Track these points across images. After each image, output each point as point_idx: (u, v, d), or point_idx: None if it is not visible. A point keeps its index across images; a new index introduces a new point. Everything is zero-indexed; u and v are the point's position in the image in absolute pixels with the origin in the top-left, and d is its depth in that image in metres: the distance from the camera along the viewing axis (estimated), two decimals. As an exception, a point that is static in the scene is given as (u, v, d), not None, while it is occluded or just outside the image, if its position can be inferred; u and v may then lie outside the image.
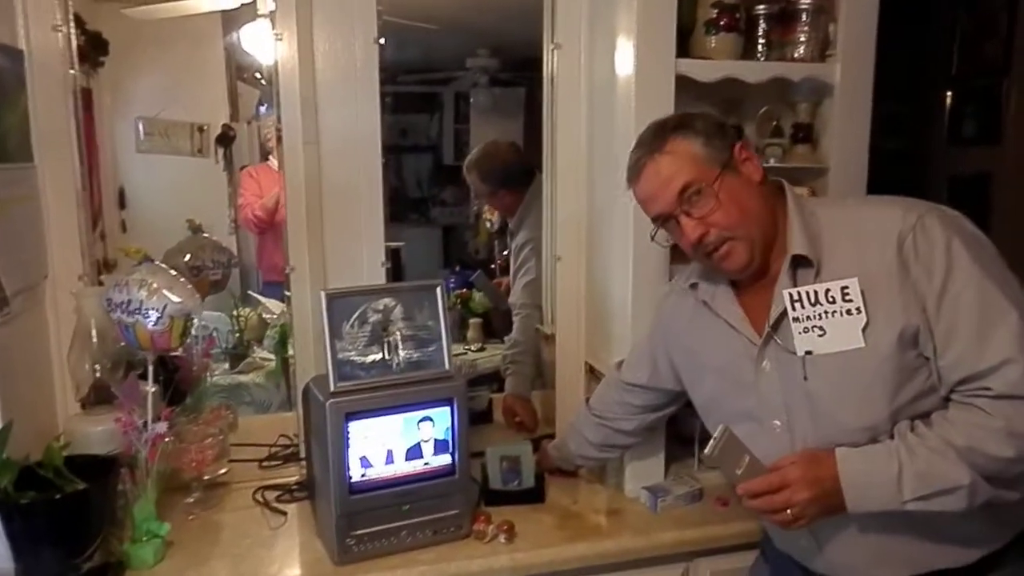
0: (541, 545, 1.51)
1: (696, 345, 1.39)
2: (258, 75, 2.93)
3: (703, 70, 1.61)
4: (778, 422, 1.25)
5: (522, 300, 2.31)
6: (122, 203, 3.55)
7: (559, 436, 1.81)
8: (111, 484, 1.36)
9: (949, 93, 2.92)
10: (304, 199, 1.72)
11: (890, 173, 1.89)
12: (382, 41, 1.71)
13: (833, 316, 1.17)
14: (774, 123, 1.82)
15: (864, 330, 1.16)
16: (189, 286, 1.43)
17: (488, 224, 3.45)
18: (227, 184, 3.73)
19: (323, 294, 1.40)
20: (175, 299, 1.39)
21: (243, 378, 2.65)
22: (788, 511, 1.15)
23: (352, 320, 1.42)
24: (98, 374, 1.58)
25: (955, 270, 1.12)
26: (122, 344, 1.51)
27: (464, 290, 3.14)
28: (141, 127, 3.53)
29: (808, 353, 1.20)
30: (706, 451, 1.19)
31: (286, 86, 1.68)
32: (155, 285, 1.37)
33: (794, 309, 1.20)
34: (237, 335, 2.79)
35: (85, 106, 3.18)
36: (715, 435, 1.18)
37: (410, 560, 1.45)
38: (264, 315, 2.90)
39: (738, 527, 1.56)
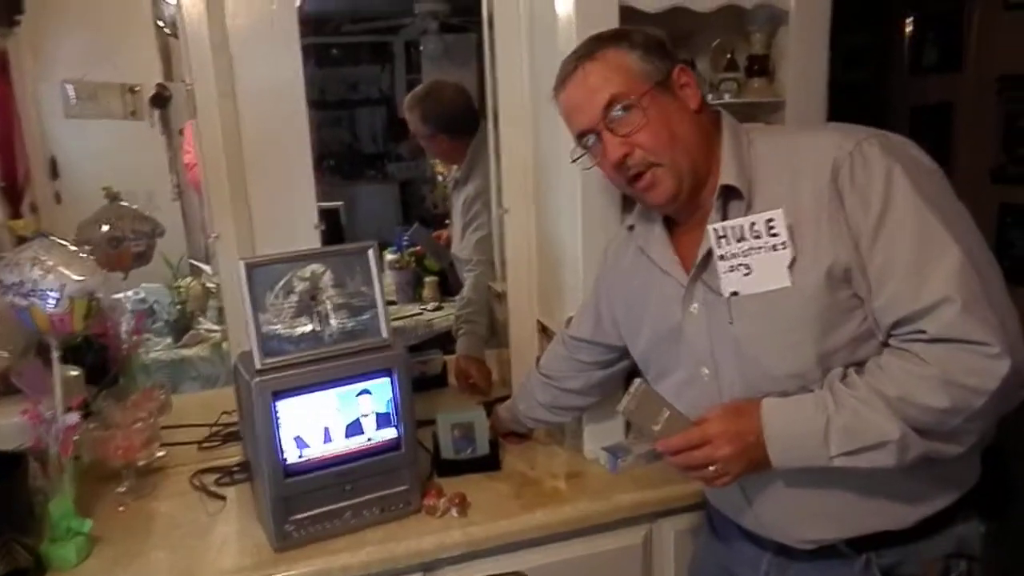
0: (496, 516, 1.43)
1: (633, 293, 1.30)
2: (160, 23, 2.73)
3: (648, -1, 1.48)
4: (706, 370, 1.17)
5: (475, 256, 2.20)
6: (54, 172, 3.35)
7: (512, 398, 1.72)
8: (18, 482, 1.25)
9: (910, 20, 2.81)
10: (224, 159, 1.59)
11: (851, 105, 1.79)
12: (298, -17, 1.56)
13: (759, 252, 1.07)
14: (728, 56, 1.70)
15: (791, 267, 1.06)
16: (91, 260, 1.30)
17: (441, 178, 3.32)
18: (166, 148, 3.54)
19: (241, 264, 1.28)
20: (75, 277, 1.25)
21: (187, 352, 2.52)
22: (711, 467, 1.08)
23: (276, 290, 1.31)
24: (6, 361, 1.44)
25: (893, 201, 1.01)
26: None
27: (419, 248, 3.02)
28: (69, 90, 3.32)
29: (734, 294, 1.11)
30: (619, 406, 1.11)
31: (193, 33, 1.53)
32: (50, 263, 1.23)
33: (719, 246, 1.11)
34: (179, 307, 2.65)
35: (0, 70, 2.96)
36: (629, 389, 1.10)
37: (356, 541, 1.36)
38: (207, 284, 2.76)
39: (700, 485, 1.49)
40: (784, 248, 1.06)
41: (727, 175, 1.12)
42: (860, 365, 1.07)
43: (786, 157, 1.11)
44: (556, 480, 1.56)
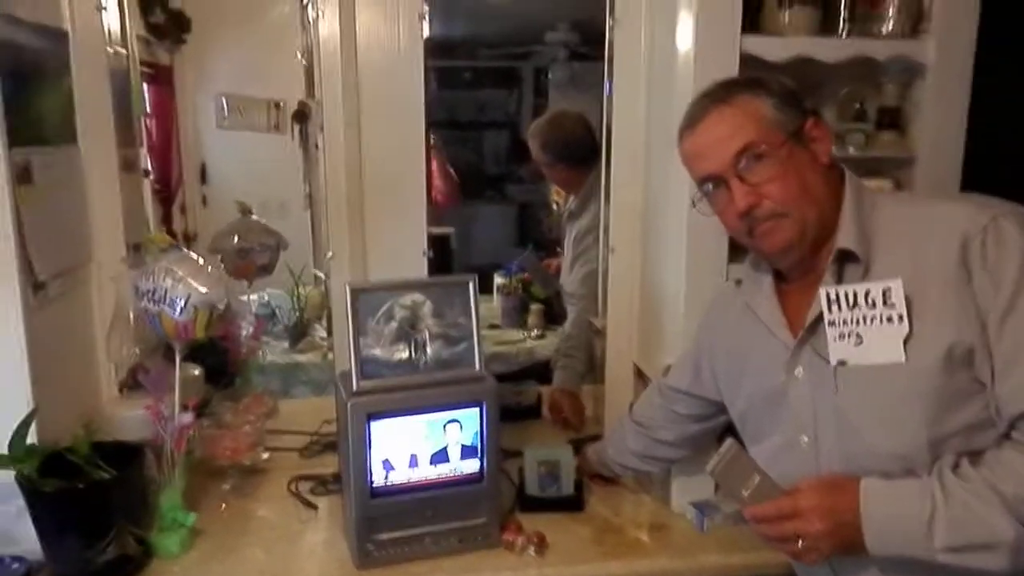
0: (574, 560, 1.42)
1: (736, 349, 1.26)
2: (298, 54, 2.91)
3: (772, 48, 1.44)
4: (806, 438, 1.12)
5: (580, 291, 2.20)
6: (204, 178, 3.64)
7: (603, 441, 1.70)
8: (135, 474, 1.36)
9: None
10: (345, 184, 1.67)
11: (992, 165, 1.67)
12: (426, 17, 1.63)
13: (872, 323, 1.02)
14: (857, 106, 1.63)
15: (906, 343, 1.00)
16: (217, 274, 1.40)
17: (555, 206, 3.34)
18: (302, 160, 3.77)
19: (347, 288, 1.34)
20: (201, 289, 1.36)
21: (301, 357, 2.66)
22: (800, 542, 1.02)
23: (378, 316, 1.36)
24: (137, 358, 1.58)
25: None
26: (157, 330, 1.50)
27: (527, 274, 3.05)
28: (224, 103, 3.60)
29: (841, 363, 1.06)
30: (708, 467, 1.07)
31: (327, 67, 1.63)
32: (180, 274, 1.34)
33: (830, 311, 1.06)
34: (297, 314, 2.80)
35: (166, 83, 3.25)
36: (720, 450, 1.05)
37: (434, 568, 1.39)
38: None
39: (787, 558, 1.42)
40: (901, 321, 1.01)
41: (845, 238, 1.08)
42: (975, 455, 0.99)
43: (912, 225, 1.06)
44: (639, 530, 1.53)
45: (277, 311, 2.83)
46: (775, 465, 1.11)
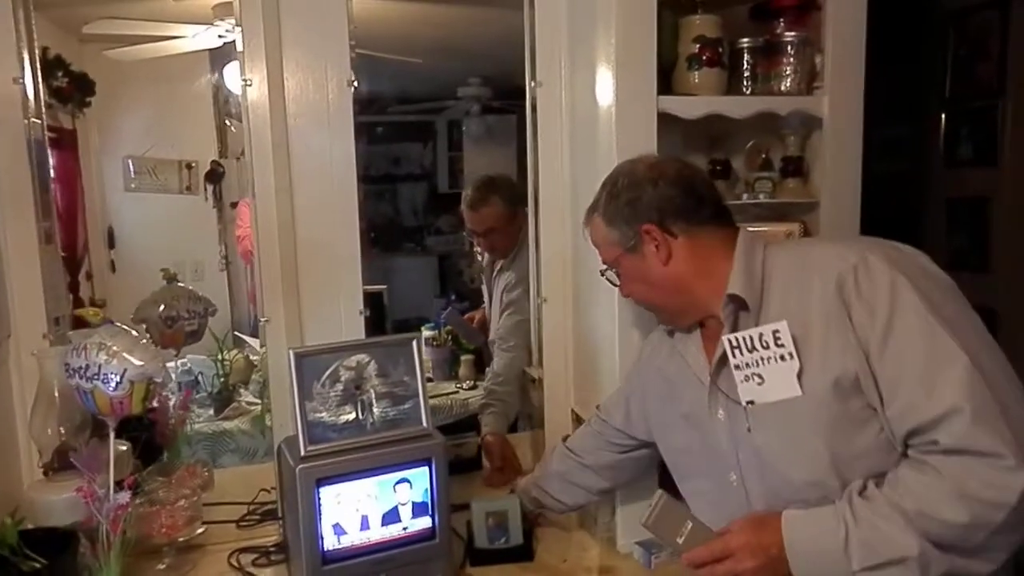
0: (528, 611, 1.43)
1: (668, 393, 1.34)
2: (227, 121, 2.89)
3: (686, 106, 1.55)
4: (734, 476, 1.20)
5: (511, 339, 2.23)
6: (111, 242, 3.51)
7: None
8: (68, 562, 1.29)
9: (944, 115, 2.86)
10: (278, 247, 1.66)
11: (887, 197, 1.82)
12: (355, 83, 1.66)
13: (769, 363, 1.11)
14: (763, 156, 1.76)
15: (800, 377, 1.09)
16: (152, 347, 1.37)
17: (479, 257, 3.39)
18: (217, 221, 3.70)
19: (291, 353, 1.34)
20: (136, 362, 1.32)
21: (228, 424, 2.57)
22: None
23: (323, 379, 1.36)
24: (63, 438, 1.51)
25: (899, 311, 1.03)
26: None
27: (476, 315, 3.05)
28: (130, 166, 3.51)
29: (750, 403, 1.14)
30: (641, 520, 1.14)
31: (257, 131, 1.63)
32: (115, 348, 1.30)
33: (734, 356, 1.15)
34: (222, 379, 2.71)
35: (69, 147, 3.15)
36: (651, 502, 1.13)
37: (389, 631, 1.37)
38: (251, 356, 2.83)
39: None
40: (792, 358, 1.10)
41: (734, 285, 1.17)
42: (883, 476, 1.07)
43: (795, 272, 1.16)
44: (589, 575, 1.55)
45: (200, 377, 2.74)
46: (714, 506, 1.19)
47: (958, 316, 1.05)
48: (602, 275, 1.32)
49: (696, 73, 1.57)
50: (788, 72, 1.60)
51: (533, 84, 1.80)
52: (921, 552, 0.98)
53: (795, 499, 1.10)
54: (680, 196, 1.21)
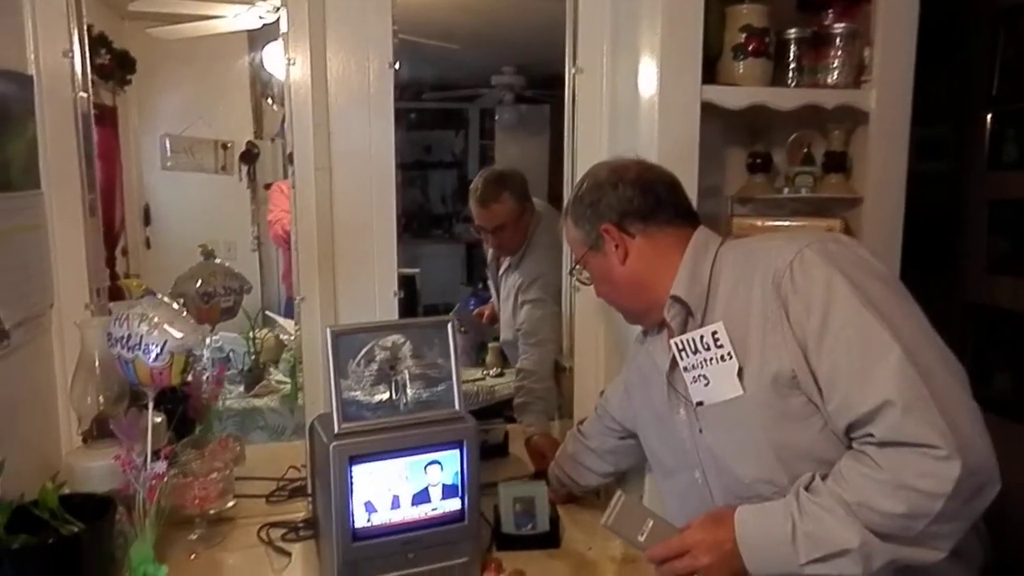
0: (554, 597, 1.44)
1: (645, 393, 1.36)
2: (269, 100, 2.91)
3: (730, 96, 1.54)
4: (698, 474, 1.22)
5: (539, 332, 2.20)
6: (147, 220, 3.57)
7: None
8: (106, 527, 1.32)
9: (989, 115, 2.79)
10: (316, 227, 1.68)
11: (928, 197, 1.78)
12: (397, 65, 1.66)
13: (712, 363, 1.13)
14: (805, 150, 1.74)
15: (741, 376, 1.10)
16: (192, 320, 1.39)
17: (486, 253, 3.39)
18: (250, 201, 3.73)
19: (328, 331, 1.34)
20: (176, 334, 1.34)
21: (257, 402, 2.60)
22: None
23: (359, 358, 1.36)
24: (101, 407, 1.53)
25: (834, 306, 1.03)
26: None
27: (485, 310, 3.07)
28: (167, 144, 3.55)
29: (700, 404, 1.16)
30: (602, 520, 1.15)
31: (298, 111, 1.64)
32: (156, 319, 1.32)
33: (682, 358, 1.18)
34: (253, 357, 2.75)
35: (110, 124, 3.19)
36: (611, 503, 1.14)
37: (416, 610, 1.38)
38: (281, 336, 2.86)
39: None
40: (731, 358, 1.11)
41: (677, 287, 1.19)
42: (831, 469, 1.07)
43: (739, 269, 1.17)
44: (613, 564, 1.55)
45: (231, 355, 2.77)
46: (684, 503, 1.23)
47: (895, 308, 1.04)
48: (570, 275, 1.36)
49: (741, 63, 1.55)
50: (835, 65, 1.58)
51: (573, 71, 1.79)
52: (862, 543, 0.99)
53: (750, 495, 1.12)
54: (638, 197, 1.25)
